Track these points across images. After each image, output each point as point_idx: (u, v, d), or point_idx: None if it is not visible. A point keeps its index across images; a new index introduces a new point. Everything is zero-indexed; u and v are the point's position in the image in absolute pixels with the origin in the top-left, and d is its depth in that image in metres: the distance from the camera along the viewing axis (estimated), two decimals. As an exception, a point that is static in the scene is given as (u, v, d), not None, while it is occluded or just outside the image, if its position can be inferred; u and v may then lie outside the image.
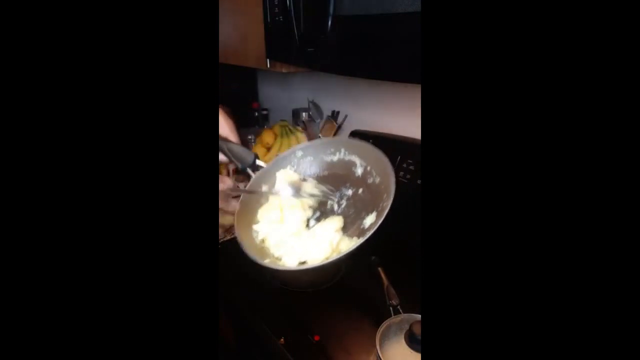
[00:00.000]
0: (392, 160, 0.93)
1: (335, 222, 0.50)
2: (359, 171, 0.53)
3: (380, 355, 0.50)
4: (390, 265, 0.79)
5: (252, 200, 0.53)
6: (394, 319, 0.55)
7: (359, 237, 0.44)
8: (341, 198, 0.53)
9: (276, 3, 0.82)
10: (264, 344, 0.65)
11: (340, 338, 0.65)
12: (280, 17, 0.81)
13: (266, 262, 0.45)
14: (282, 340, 0.64)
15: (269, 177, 0.54)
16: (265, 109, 1.52)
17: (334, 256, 0.43)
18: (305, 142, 0.59)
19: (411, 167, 0.90)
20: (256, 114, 1.54)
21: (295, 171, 0.55)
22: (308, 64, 0.80)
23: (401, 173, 0.92)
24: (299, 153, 0.56)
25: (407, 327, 0.51)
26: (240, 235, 0.46)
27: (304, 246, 0.47)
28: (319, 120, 1.28)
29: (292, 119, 1.36)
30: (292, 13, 0.74)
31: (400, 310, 0.66)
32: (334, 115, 1.21)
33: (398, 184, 0.81)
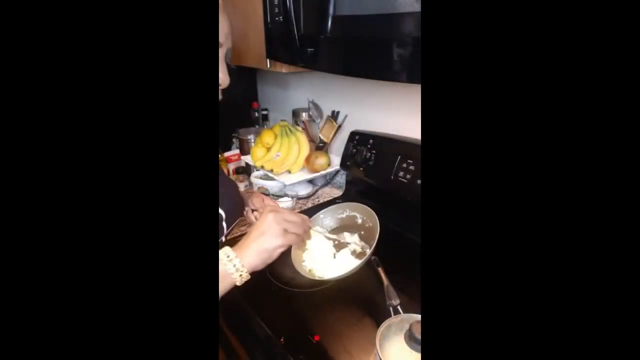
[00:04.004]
0: (392, 160, 0.95)
1: (348, 250, 0.81)
2: (359, 221, 0.88)
3: (380, 355, 0.50)
4: (390, 265, 0.79)
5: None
6: (394, 319, 0.55)
7: (360, 258, 0.75)
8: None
9: (276, 3, 0.82)
10: (264, 344, 0.65)
11: (340, 338, 0.65)
12: (280, 17, 0.81)
13: (316, 278, 0.74)
14: (282, 340, 0.64)
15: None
16: (265, 109, 1.52)
17: (350, 270, 0.72)
18: (324, 209, 0.90)
19: (411, 167, 0.91)
20: (256, 114, 1.54)
21: (321, 227, 0.87)
22: (308, 64, 0.80)
23: (401, 173, 0.92)
24: (321, 216, 0.89)
25: (407, 327, 0.51)
26: (297, 267, 0.76)
27: (333, 267, 0.76)
28: (319, 120, 1.28)
29: (292, 119, 1.36)
30: (292, 13, 0.74)
31: (400, 310, 0.66)
32: (334, 115, 1.21)
33: (398, 184, 0.85)
